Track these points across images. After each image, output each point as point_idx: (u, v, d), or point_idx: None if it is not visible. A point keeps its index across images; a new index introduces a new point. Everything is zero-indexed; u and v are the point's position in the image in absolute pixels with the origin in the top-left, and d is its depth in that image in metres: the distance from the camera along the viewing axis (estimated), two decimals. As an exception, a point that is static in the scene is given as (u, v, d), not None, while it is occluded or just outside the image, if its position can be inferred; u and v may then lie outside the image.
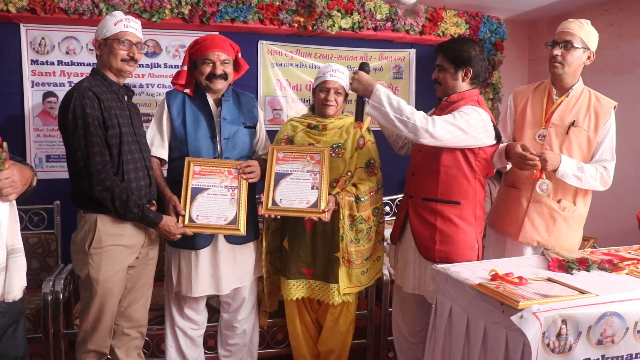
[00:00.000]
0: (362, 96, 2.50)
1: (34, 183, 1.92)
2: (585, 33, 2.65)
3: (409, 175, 2.76)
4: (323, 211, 2.58)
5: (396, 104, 2.41)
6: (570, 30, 2.65)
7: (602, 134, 2.66)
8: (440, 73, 2.65)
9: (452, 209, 2.57)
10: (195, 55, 2.69)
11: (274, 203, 2.59)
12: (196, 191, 2.56)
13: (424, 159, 2.65)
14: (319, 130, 2.83)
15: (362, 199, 2.73)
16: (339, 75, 2.83)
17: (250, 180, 2.66)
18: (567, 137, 2.67)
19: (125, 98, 2.57)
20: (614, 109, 2.70)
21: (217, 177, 2.60)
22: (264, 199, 2.59)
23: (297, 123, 2.91)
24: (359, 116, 2.56)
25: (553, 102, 2.72)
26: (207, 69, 2.66)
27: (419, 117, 2.39)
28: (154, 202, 2.62)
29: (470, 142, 2.48)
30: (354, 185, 2.78)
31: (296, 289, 2.81)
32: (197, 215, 2.54)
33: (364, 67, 2.53)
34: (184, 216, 2.53)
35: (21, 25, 3.76)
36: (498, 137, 2.59)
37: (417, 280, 2.69)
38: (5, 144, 1.71)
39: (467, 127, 2.44)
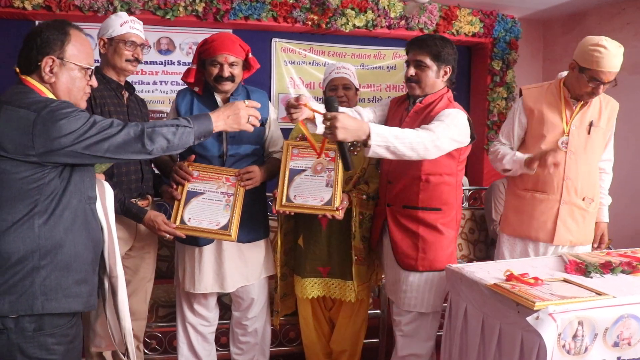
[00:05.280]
0: (353, 141, 2.26)
1: None
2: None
3: (384, 183, 2.64)
4: (337, 209, 2.53)
5: (399, 133, 2.20)
6: (613, 70, 2.57)
7: (610, 130, 2.81)
8: (419, 71, 2.48)
9: (434, 215, 2.48)
10: (204, 55, 2.68)
11: (287, 199, 2.55)
12: (191, 195, 2.56)
13: (400, 166, 2.49)
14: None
15: (374, 197, 2.71)
16: (344, 71, 2.91)
17: (247, 187, 2.61)
18: (589, 137, 2.73)
19: (126, 94, 2.59)
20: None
21: (214, 183, 2.59)
22: (277, 195, 2.54)
23: None
24: (348, 165, 2.23)
25: (572, 108, 2.75)
26: (215, 71, 2.65)
27: (425, 136, 2.22)
28: (149, 196, 2.63)
29: (459, 146, 2.40)
30: (366, 182, 2.75)
31: (312, 288, 2.79)
32: (189, 218, 2.53)
33: (333, 104, 2.19)
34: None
35: (36, 22, 3.78)
36: (472, 137, 2.46)
37: (391, 285, 2.63)
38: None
39: (459, 133, 2.34)
